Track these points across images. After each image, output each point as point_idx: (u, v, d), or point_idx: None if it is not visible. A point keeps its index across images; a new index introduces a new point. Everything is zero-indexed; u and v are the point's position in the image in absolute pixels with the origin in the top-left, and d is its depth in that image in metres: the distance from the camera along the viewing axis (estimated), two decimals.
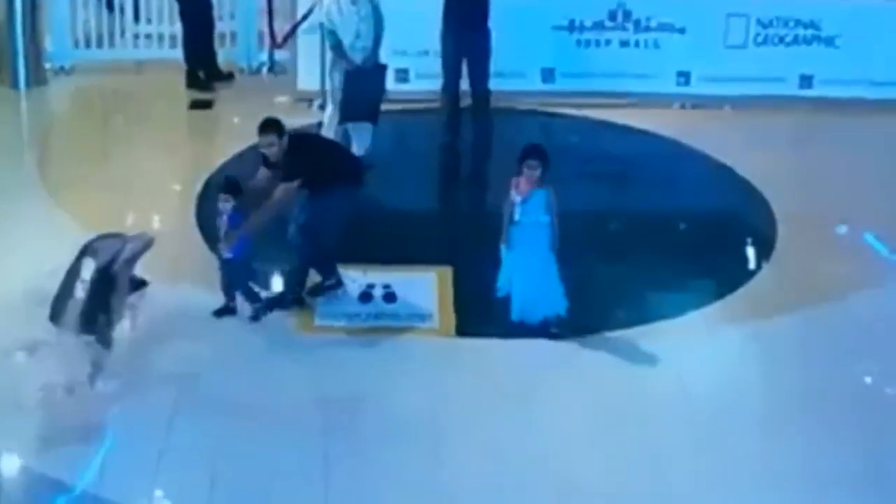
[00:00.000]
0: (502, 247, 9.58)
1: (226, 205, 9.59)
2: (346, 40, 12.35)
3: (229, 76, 15.06)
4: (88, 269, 8.83)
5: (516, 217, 9.44)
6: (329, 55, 12.83)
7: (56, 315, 8.87)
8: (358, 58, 12.36)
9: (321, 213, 9.78)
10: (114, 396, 8.71)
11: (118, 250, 8.91)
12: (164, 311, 9.64)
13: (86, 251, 8.97)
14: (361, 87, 12.31)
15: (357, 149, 12.46)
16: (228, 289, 9.79)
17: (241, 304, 9.78)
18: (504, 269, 9.64)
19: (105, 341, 8.85)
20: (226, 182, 9.79)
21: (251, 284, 9.81)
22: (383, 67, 12.61)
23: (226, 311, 9.78)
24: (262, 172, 9.81)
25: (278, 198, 9.61)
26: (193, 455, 8.14)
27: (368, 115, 12.46)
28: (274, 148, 9.62)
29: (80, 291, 8.82)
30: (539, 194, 9.38)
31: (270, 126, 9.68)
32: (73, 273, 8.92)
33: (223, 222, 9.63)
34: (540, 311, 9.57)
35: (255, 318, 9.74)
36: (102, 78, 14.70)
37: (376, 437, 8.36)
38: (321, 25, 12.88)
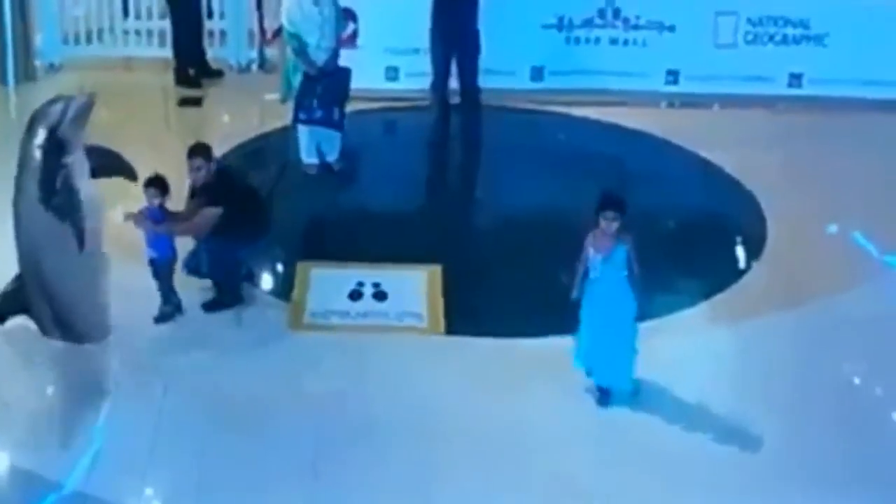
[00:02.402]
0: (580, 312, 8.73)
1: (153, 200, 9.51)
2: (311, 42, 12.03)
3: (219, 73, 15.04)
4: (40, 136, 8.82)
5: (595, 276, 8.64)
6: (289, 59, 12.45)
7: (17, 191, 8.90)
8: (321, 59, 12.07)
9: (221, 251, 9.73)
10: (102, 394, 8.77)
11: (62, 112, 8.84)
12: (152, 309, 9.68)
13: (32, 122, 8.93)
14: (321, 91, 12.01)
15: (328, 156, 12.35)
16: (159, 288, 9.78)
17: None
18: (582, 337, 8.79)
19: (70, 206, 8.81)
20: (154, 179, 9.58)
21: (173, 287, 9.76)
22: (347, 70, 12.27)
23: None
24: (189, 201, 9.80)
25: (198, 221, 9.59)
26: (182, 452, 8.16)
27: (324, 120, 12.13)
28: (201, 172, 9.62)
29: (35, 162, 8.82)
30: (621, 250, 8.59)
31: (198, 151, 9.71)
32: (25, 150, 8.90)
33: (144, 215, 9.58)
34: (626, 376, 8.81)
35: (160, 319, 9.66)
36: (92, 74, 14.63)
37: (365, 435, 8.36)
38: (282, 30, 12.59)
